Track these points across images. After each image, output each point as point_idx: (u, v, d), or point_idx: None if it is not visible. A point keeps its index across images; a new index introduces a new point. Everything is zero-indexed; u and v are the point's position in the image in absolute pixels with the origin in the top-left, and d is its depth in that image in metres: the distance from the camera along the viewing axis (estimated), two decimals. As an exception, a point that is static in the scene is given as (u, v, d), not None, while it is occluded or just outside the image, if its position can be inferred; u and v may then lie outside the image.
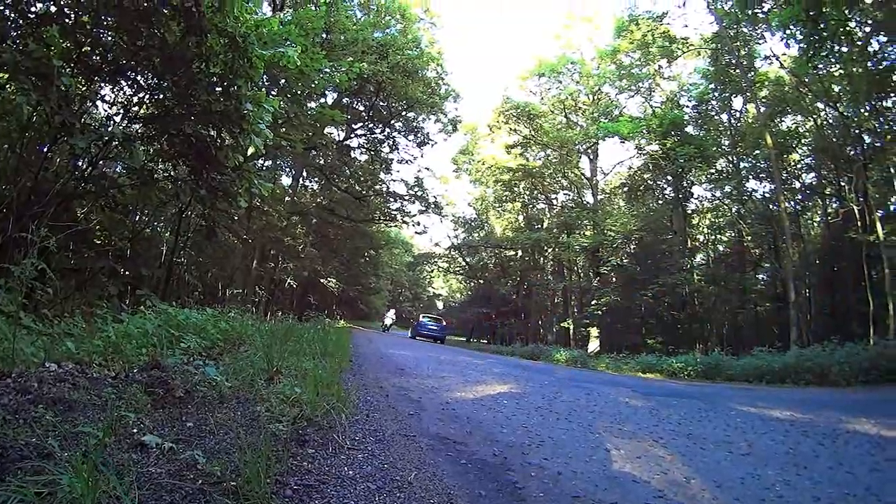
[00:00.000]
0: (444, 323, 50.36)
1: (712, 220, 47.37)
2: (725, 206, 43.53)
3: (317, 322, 24.92)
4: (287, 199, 41.07)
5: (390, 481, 4.69)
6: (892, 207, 31.89)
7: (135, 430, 4.61)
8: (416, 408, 8.70)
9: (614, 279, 44.86)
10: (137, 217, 18.33)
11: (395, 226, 55.76)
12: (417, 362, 17.14)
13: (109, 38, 12.07)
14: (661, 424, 9.49)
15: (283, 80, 22.86)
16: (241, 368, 8.28)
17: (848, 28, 22.76)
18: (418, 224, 49.69)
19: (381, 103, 40.48)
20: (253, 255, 35.67)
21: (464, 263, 66.96)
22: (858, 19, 23.71)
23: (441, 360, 19.64)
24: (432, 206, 48.76)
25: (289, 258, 45.02)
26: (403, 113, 41.94)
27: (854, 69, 26.01)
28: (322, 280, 52.82)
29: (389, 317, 55.13)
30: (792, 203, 39.14)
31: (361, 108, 41.73)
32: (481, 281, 64.95)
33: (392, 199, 48.87)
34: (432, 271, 79.90)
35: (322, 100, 34.94)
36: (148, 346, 8.39)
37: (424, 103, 40.12)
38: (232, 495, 3.59)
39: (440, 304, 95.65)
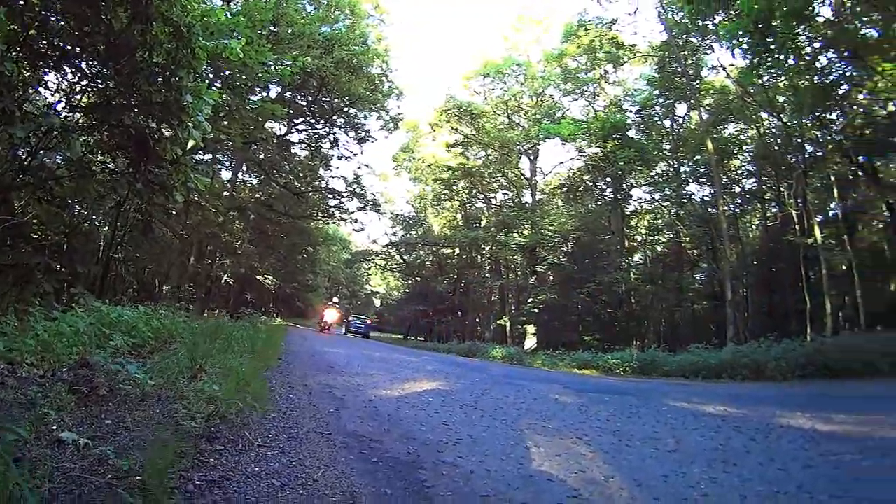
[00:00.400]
0: (369, 321, 52.93)
1: (651, 221, 48.22)
2: (664, 209, 44.20)
3: (250, 320, 24.85)
4: (225, 193, 40.34)
5: (295, 478, 4.80)
6: (831, 213, 33.17)
7: (55, 427, 4.81)
8: (337, 405, 8.70)
9: (551, 277, 45.05)
10: (76, 210, 18.07)
11: (334, 222, 55.81)
12: (349, 360, 16.99)
13: (57, 22, 11.91)
14: (589, 421, 9.55)
15: (226, 72, 22.65)
16: (167, 367, 8.22)
17: (796, 42, 23.36)
18: (356, 221, 49.90)
19: (324, 99, 39.99)
20: (190, 252, 34.91)
21: (401, 261, 66.52)
22: (808, 35, 24.29)
23: (374, 357, 19.59)
24: (370, 203, 48.63)
25: (226, 254, 44.35)
26: (345, 109, 41.47)
27: (800, 81, 26.65)
28: (259, 277, 51.93)
29: (329, 313, 43.09)
30: (731, 206, 40.35)
31: (304, 102, 41.02)
32: (418, 278, 64.87)
33: (331, 196, 48.65)
34: (370, 269, 79.61)
35: (265, 93, 34.33)
36: (79, 345, 8.35)
37: (367, 100, 39.95)
38: (136, 489, 3.79)
39: (377, 302, 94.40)
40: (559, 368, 26.29)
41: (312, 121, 42.76)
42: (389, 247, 64.97)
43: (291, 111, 37.93)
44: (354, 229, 54.08)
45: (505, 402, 11.15)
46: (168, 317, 14.41)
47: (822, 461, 6.98)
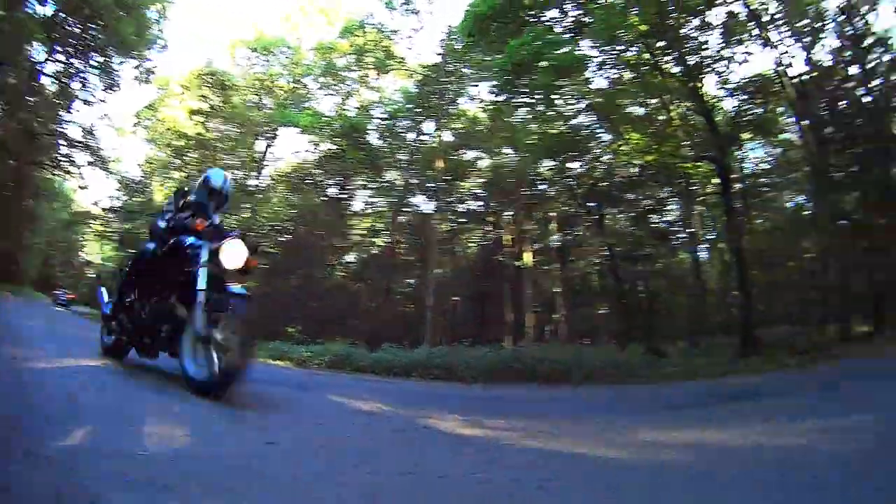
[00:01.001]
0: (68, 296, 54.08)
1: (372, 223, 49.58)
2: (386, 214, 46.24)
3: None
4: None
5: None
6: (550, 243, 38.08)
7: None
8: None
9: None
10: None
11: (59, 175, 50.01)
12: (35, 332, 15.59)
13: None
14: (209, 412, 8.20)
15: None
16: None
17: (550, 94, 25.57)
18: (82, 177, 46.59)
19: (91, 33, 36.97)
20: None
21: (119, 229, 59.64)
22: (572, 93, 26.64)
23: (67, 333, 17.58)
24: (99, 159, 45.80)
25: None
26: (107, 48, 38.54)
27: (547, 128, 29.10)
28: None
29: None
30: (452, 223, 43.56)
31: (70, 30, 37.33)
32: (134, 251, 60.13)
33: (63, 144, 43.79)
34: (86, 234, 71.39)
35: (38, 7, 31.48)
36: None
37: (130, 45, 37.76)
38: None
39: (92, 273, 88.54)
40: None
41: (71, 52, 38.89)
42: (109, 211, 58.51)
43: (56, 36, 35.35)
44: (80, 186, 50.66)
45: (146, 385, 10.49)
46: None
47: (423, 472, 5.43)
